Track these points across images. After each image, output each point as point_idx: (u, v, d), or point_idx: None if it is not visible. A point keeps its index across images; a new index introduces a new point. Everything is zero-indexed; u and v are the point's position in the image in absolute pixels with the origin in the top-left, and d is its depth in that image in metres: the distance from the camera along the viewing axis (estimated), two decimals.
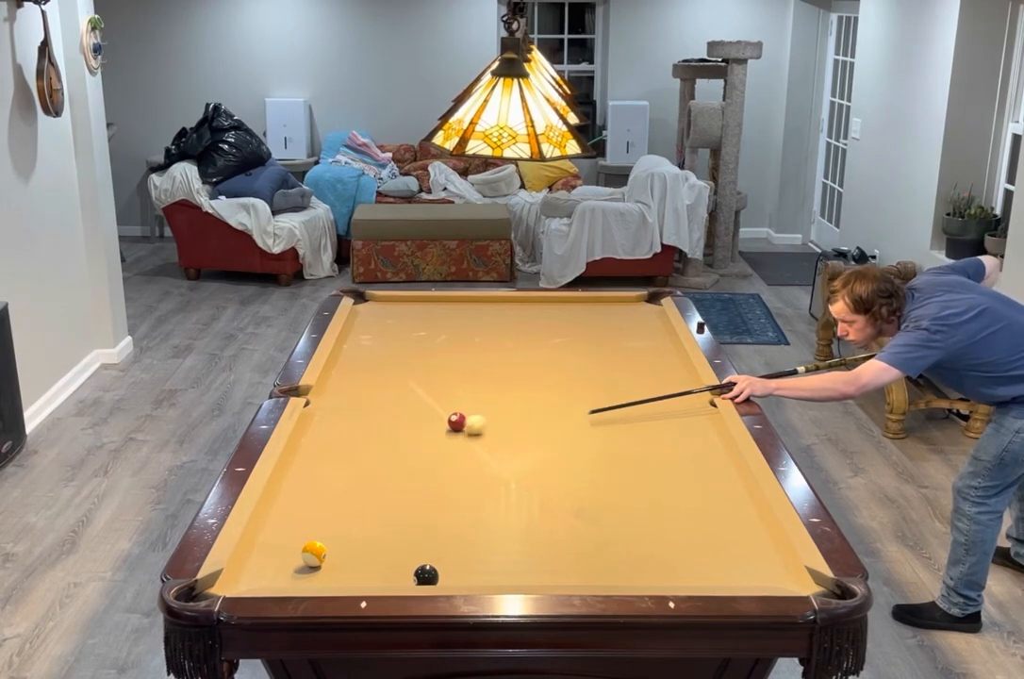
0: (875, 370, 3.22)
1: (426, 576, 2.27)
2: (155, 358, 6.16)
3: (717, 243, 8.12)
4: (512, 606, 2.15)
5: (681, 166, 8.15)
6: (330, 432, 3.12)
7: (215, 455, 4.83)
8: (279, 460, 2.84)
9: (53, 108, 5.24)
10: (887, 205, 6.93)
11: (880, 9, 7.19)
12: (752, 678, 2.38)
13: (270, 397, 3.30)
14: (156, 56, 8.93)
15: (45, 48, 5.13)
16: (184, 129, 7.92)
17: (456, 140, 2.95)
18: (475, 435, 3.05)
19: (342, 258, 8.17)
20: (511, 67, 2.98)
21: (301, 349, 3.74)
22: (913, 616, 3.57)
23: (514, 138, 2.87)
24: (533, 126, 2.88)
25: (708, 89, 8.48)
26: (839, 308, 3.33)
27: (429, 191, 8.59)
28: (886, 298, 3.27)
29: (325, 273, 7.96)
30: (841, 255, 6.71)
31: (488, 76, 3.06)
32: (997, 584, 3.80)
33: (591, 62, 9.44)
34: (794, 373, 3.53)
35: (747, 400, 3.28)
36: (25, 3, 5.06)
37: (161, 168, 7.85)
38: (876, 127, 7.22)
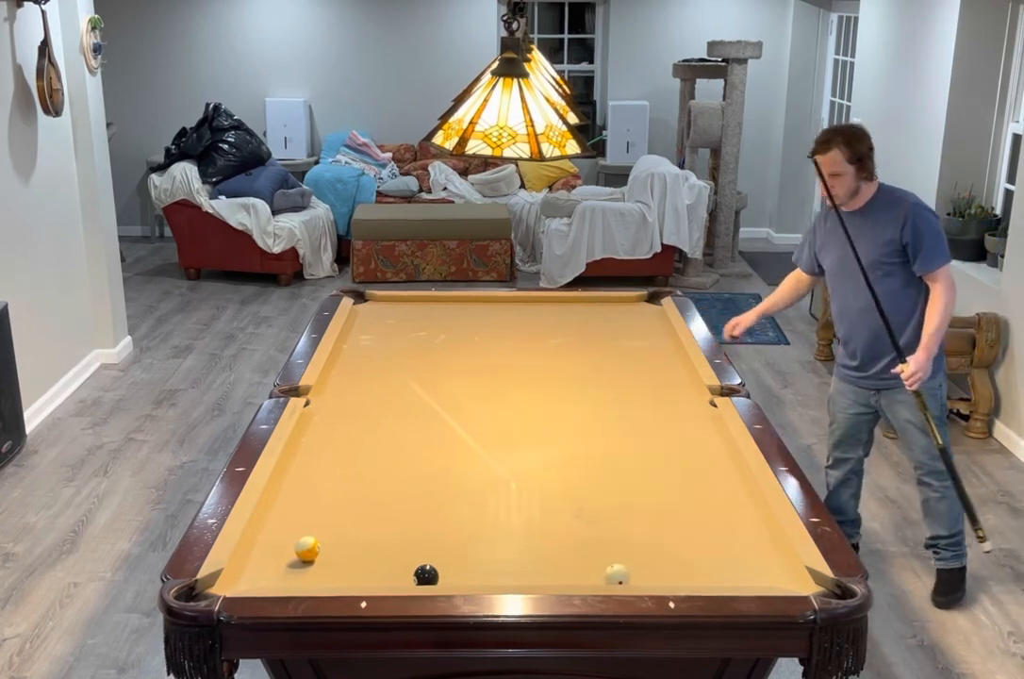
0: (948, 273, 3.39)
1: (426, 576, 2.27)
2: (155, 358, 6.16)
3: (717, 243, 8.12)
4: (512, 606, 2.15)
5: (681, 166, 8.15)
6: (330, 432, 3.12)
7: (215, 455, 4.83)
8: (279, 460, 2.84)
9: (53, 108, 5.24)
10: None
11: (880, 9, 7.18)
12: (752, 678, 2.38)
13: (270, 397, 3.30)
14: (156, 56, 8.93)
15: (45, 48, 5.13)
16: (184, 129, 7.92)
17: (456, 140, 2.95)
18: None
19: (342, 258, 8.16)
20: (511, 67, 2.98)
21: (301, 349, 3.74)
22: (956, 592, 3.65)
23: (514, 138, 2.87)
24: (533, 126, 2.88)
25: (708, 89, 8.48)
26: (833, 157, 3.36)
27: (429, 191, 8.58)
28: (871, 152, 3.44)
29: (325, 273, 7.96)
30: None
31: (488, 76, 3.06)
32: (996, 584, 3.80)
33: (591, 62, 9.44)
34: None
35: None
36: (25, 3, 5.06)
37: (161, 168, 7.85)
38: (876, 127, 7.19)
